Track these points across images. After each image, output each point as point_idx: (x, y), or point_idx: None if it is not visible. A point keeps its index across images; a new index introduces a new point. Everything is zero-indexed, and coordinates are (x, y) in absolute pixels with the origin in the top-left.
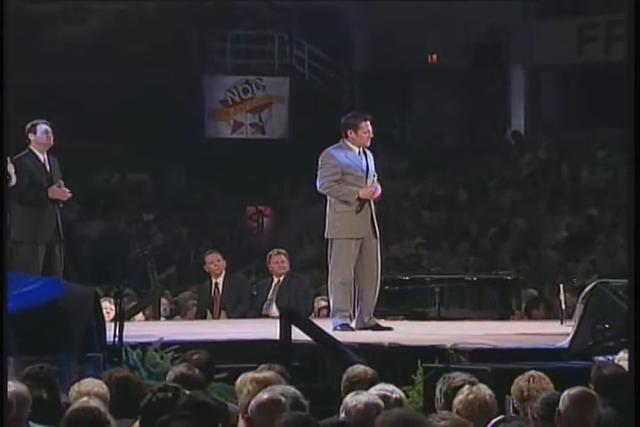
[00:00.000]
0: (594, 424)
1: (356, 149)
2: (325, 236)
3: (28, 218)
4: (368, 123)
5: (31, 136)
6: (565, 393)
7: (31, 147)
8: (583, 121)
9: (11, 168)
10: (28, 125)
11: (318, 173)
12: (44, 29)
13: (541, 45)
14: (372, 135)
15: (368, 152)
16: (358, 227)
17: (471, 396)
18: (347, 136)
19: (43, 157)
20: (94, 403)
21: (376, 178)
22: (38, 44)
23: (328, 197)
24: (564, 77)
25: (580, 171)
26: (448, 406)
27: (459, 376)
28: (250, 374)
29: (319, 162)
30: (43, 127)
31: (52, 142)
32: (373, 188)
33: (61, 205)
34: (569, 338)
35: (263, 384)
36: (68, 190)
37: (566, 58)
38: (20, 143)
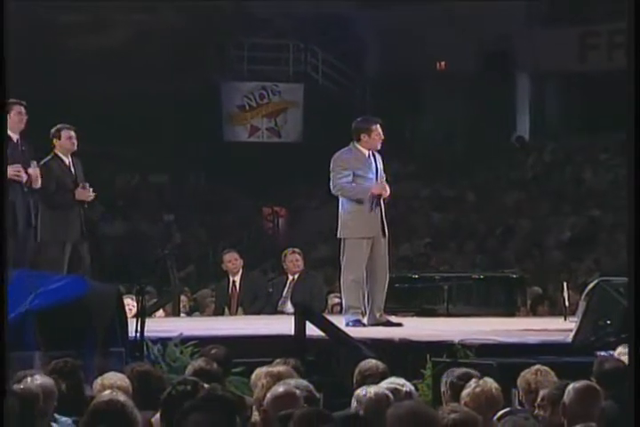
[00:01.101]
0: (597, 416)
1: (366, 152)
2: (338, 235)
3: (56, 219)
4: (378, 126)
5: (56, 141)
6: (570, 386)
7: (56, 151)
8: (586, 125)
9: (36, 170)
10: (53, 130)
11: (331, 176)
12: (71, 39)
13: (546, 53)
14: (382, 138)
15: (377, 154)
16: (369, 227)
17: (478, 389)
18: (359, 140)
19: (67, 160)
20: (118, 396)
21: (384, 179)
22: (66, 53)
23: (340, 198)
24: (568, 84)
25: (582, 173)
26: (455, 398)
27: (461, 370)
28: (264, 369)
29: (331, 165)
30: (67, 132)
31: (75, 147)
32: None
33: (86, 206)
34: (572, 334)
35: (276, 378)
36: (91, 191)
37: (570, 65)
38: (47, 147)
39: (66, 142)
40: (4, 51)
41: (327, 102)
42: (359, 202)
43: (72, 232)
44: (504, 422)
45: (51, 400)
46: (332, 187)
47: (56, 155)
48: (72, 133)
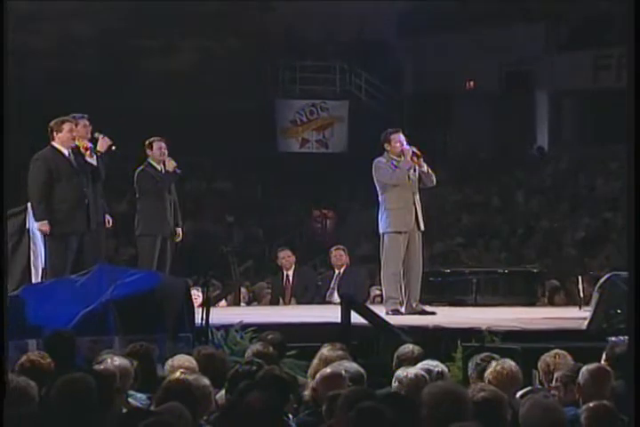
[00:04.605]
0: (608, 395)
1: (397, 159)
2: (379, 231)
3: (152, 215)
4: (399, 134)
5: (148, 151)
6: (584, 368)
7: (149, 160)
8: (598, 137)
9: (105, 139)
10: (146, 143)
11: (377, 176)
12: (148, 62)
13: (562, 74)
14: (404, 143)
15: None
16: (405, 221)
17: (499, 368)
18: (386, 150)
19: (160, 167)
20: (188, 376)
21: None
22: (142, 75)
23: (380, 198)
24: (582, 101)
25: (595, 180)
26: (480, 377)
27: (484, 353)
28: (318, 353)
29: (373, 171)
30: (157, 144)
31: (165, 156)
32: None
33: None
34: (587, 321)
35: (324, 361)
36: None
37: (583, 84)
38: (141, 156)
39: (156, 152)
40: (3, 51)
41: (369, 117)
42: (396, 199)
43: (165, 228)
44: (525, 400)
45: (127, 379)
46: (386, 181)
47: (149, 163)
48: (162, 144)
